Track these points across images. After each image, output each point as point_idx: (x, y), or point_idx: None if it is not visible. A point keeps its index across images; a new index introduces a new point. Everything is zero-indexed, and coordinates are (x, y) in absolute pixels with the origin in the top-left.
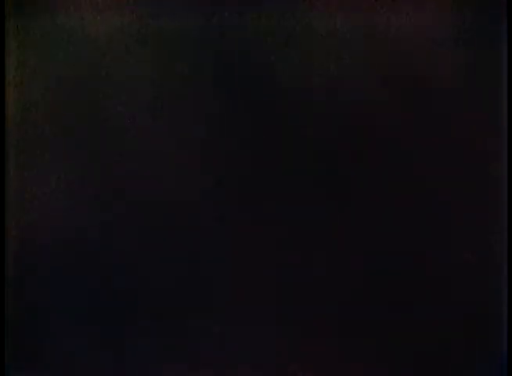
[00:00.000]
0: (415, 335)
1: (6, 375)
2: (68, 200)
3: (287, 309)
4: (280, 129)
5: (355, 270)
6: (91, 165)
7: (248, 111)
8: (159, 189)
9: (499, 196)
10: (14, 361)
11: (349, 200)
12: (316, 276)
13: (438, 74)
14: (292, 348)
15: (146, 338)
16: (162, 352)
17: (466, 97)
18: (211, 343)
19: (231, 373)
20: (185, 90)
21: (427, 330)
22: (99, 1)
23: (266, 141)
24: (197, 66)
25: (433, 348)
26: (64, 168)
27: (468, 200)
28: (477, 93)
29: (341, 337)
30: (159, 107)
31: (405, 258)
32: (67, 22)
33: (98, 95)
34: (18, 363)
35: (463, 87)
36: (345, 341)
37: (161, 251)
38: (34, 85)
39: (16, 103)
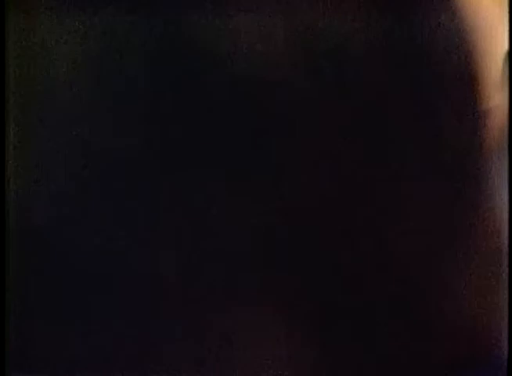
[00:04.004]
0: (408, 335)
1: (6, 375)
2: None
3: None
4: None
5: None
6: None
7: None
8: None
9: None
10: None
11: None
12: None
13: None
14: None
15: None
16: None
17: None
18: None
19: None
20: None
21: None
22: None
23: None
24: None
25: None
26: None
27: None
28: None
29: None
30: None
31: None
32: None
33: (101, 95)
34: None
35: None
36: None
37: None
38: (35, 85)
39: (16, 102)
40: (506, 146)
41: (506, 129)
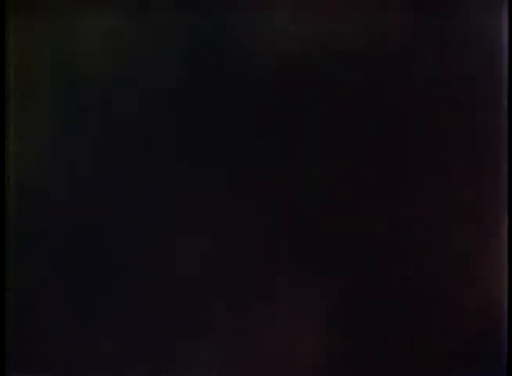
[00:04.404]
0: (412, 336)
1: (6, 375)
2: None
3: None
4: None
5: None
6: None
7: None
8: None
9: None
10: None
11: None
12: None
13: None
14: None
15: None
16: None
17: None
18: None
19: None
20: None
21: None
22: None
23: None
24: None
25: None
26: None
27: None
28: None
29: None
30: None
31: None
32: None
33: (100, 96)
34: None
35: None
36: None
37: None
38: (35, 85)
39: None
40: (506, 145)
41: (506, 128)
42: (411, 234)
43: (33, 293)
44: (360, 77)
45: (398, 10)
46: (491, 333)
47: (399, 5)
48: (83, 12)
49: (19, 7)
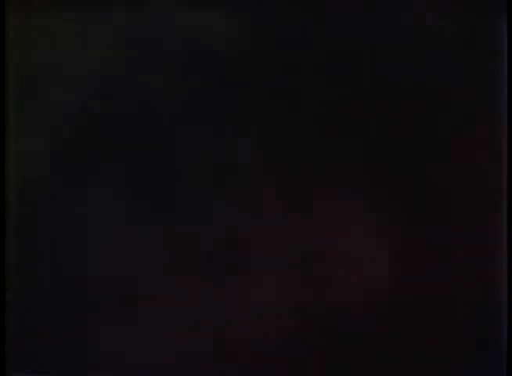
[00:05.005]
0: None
1: (6, 375)
2: None
3: None
4: None
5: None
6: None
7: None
8: None
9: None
10: None
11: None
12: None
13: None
14: None
15: None
16: None
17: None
18: None
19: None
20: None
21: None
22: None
23: None
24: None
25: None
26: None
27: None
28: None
29: None
30: None
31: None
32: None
33: (108, 100)
34: None
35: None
36: None
37: None
38: (35, 85)
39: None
40: (505, 145)
41: (506, 128)
42: (410, 234)
43: (33, 293)
44: (360, 77)
45: (397, 10)
46: (491, 333)
47: (398, 4)
48: (83, 12)
49: (19, 7)
